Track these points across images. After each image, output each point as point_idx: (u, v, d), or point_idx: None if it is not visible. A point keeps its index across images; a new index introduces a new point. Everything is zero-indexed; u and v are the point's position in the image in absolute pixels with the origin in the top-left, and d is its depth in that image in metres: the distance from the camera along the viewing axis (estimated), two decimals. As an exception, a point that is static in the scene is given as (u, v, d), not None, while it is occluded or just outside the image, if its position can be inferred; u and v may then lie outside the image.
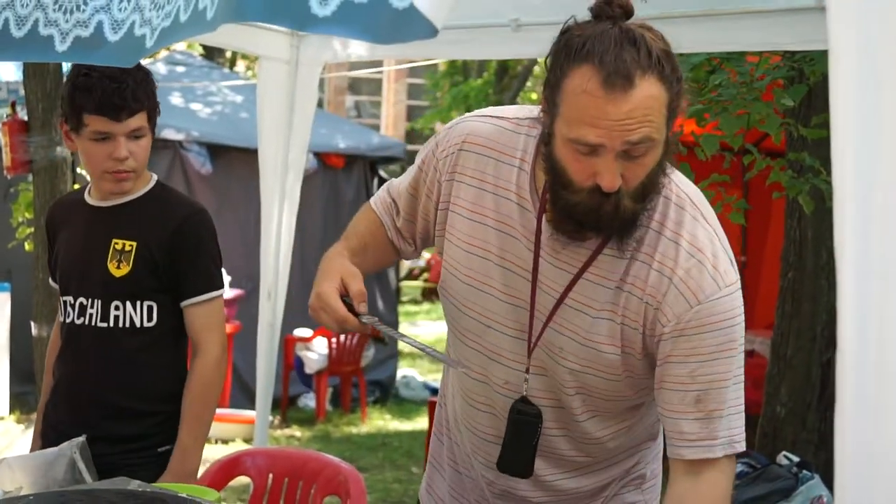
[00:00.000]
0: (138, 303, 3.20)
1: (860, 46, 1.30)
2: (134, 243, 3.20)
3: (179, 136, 9.23)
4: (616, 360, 2.26)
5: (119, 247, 3.20)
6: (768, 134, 4.64)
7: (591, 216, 2.11)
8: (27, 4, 2.23)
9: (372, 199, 2.60)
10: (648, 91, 2.00)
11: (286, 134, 4.80)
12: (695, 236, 2.18)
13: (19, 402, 8.76)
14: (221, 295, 3.31)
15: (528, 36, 4.36)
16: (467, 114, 2.45)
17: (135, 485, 2.39)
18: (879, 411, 1.28)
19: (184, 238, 3.23)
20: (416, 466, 7.86)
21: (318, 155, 9.98)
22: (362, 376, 9.67)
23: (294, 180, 4.87)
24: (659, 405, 2.26)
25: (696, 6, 4.04)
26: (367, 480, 7.37)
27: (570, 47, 2.05)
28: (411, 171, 2.50)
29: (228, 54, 18.85)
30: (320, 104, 29.33)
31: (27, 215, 7.24)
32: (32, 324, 6.83)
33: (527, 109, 2.37)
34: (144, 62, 3.24)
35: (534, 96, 20.95)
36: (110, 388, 3.24)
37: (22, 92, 7.25)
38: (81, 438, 2.97)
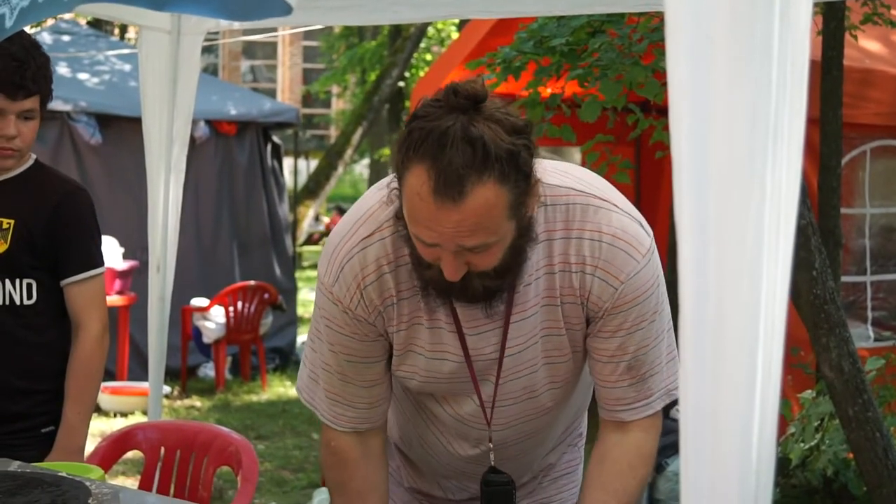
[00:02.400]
0: (17, 280, 3.19)
1: (693, 8, 1.33)
2: (12, 221, 3.18)
3: (67, 107, 9.08)
4: (566, 345, 2.32)
5: None
6: (656, 94, 4.71)
7: (447, 292, 2.16)
8: None
9: (331, 431, 2.45)
10: (483, 198, 1.95)
11: (170, 105, 4.73)
12: (597, 223, 2.20)
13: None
14: (102, 273, 3.30)
15: (418, 1, 4.37)
16: (334, 249, 2.29)
17: (15, 465, 2.38)
18: (716, 371, 1.33)
19: (62, 216, 3.22)
20: (315, 432, 7.87)
21: (209, 122, 9.89)
22: (261, 344, 9.64)
23: (179, 151, 4.81)
24: (592, 374, 2.34)
25: (574, -31, 4.07)
26: (267, 448, 7.45)
27: (410, 141, 1.99)
28: (339, 349, 2.35)
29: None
30: (214, 70, 29.03)
31: None
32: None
33: (376, 208, 2.27)
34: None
35: (428, 57, 20.93)
36: None
37: None
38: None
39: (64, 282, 3.24)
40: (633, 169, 5.34)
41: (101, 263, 3.30)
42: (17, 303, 3.19)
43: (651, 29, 4.60)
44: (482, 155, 1.93)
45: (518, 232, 2.08)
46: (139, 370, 8.83)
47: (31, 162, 3.30)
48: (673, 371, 2.32)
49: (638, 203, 10.13)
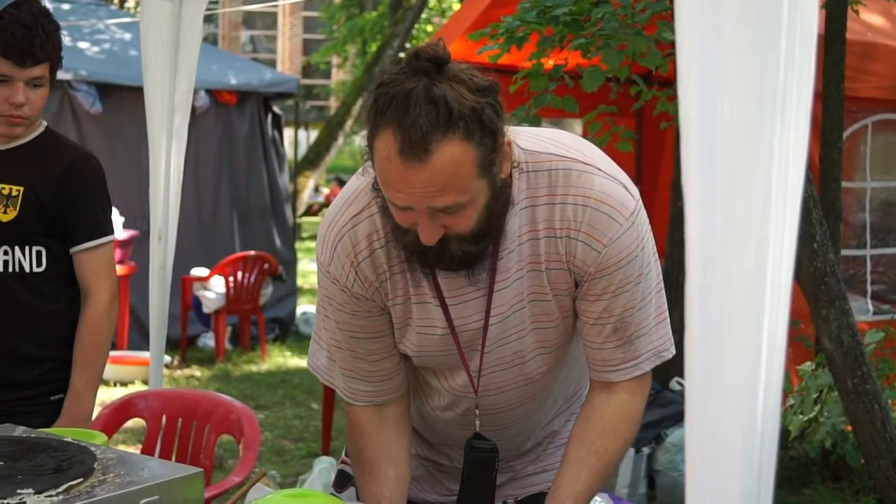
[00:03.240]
0: (27, 248, 3.19)
1: None
2: (21, 188, 3.17)
3: (67, 76, 9.06)
4: (554, 310, 2.32)
5: (6, 192, 3.17)
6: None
7: (427, 259, 2.18)
8: None
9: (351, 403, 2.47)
10: (448, 155, 1.97)
11: (172, 73, 4.72)
12: (580, 187, 2.21)
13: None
14: (111, 241, 3.30)
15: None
16: (327, 230, 2.33)
17: (20, 430, 2.39)
18: (722, 339, 1.33)
19: (71, 183, 3.21)
20: (315, 402, 7.90)
21: (210, 92, 9.88)
22: (261, 314, 9.66)
23: (181, 120, 4.80)
24: (581, 336, 2.36)
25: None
26: (267, 417, 7.47)
27: (377, 107, 2.02)
28: (344, 326, 2.37)
29: (118, -10, 18.49)
30: (214, 40, 28.94)
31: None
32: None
33: (363, 187, 2.29)
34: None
35: (429, 28, 20.87)
36: (2, 334, 3.21)
37: None
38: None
39: (73, 249, 3.24)
40: (635, 139, 5.33)
41: (111, 231, 3.30)
42: (27, 270, 3.19)
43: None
44: (445, 113, 1.96)
45: (491, 193, 2.10)
46: (139, 340, 8.84)
47: (41, 129, 3.29)
48: (662, 333, 2.34)
49: (639, 173, 10.16)
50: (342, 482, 2.69)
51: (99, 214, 3.28)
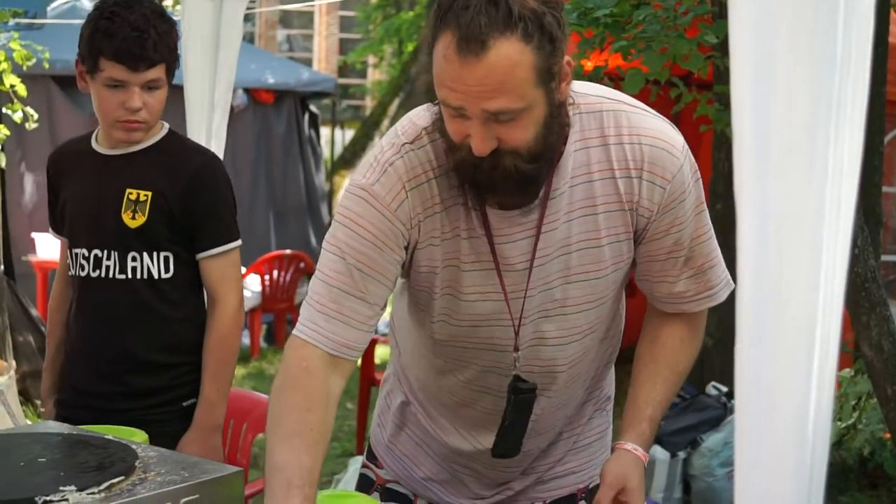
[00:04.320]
0: (155, 253, 3.13)
1: None
2: (149, 193, 3.12)
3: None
4: (606, 257, 2.30)
5: (133, 197, 3.12)
6: (696, 67, 4.67)
7: (473, 175, 2.12)
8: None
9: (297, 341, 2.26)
10: (505, 53, 1.95)
11: (212, 72, 4.74)
12: (632, 127, 2.22)
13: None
14: (238, 246, 3.22)
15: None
16: (380, 152, 2.26)
17: (62, 427, 2.40)
18: (775, 346, 1.32)
19: (199, 187, 3.15)
20: (350, 402, 7.90)
21: (247, 91, 9.91)
22: (296, 313, 9.66)
23: (221, 118, 4.81)
24: (645, 275, 2.38)
25: (620, -59, 4.04)
26: (302, 416, 7.45)
27: (439, 11, 2.02)
28: (354, 247, 2.22)
29: (156, -12, 18.56)
30: (251, 39, 29.04)
31: None
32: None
33: (415, 119, 2.28)
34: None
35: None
36: (133, 341, 3.17)
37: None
38: (7, 380, 2.97)
39: (200, 255, 3.17)
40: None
41: (237, 236, 3.21)
42: (156, 276, 3.14)
43: (696, 1, 4.56)
44: (505, 12, 1.95)
45: (549, 108, 2.07)
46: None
47: (164, 132, 3.23)
48: (724, 266, 2.40)
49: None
50: (365, 486, 2.67)
51: (227, 219, 3.22)
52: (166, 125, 3.25)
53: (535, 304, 2.31)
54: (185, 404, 3.21)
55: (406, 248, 2.25)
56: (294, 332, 2.26)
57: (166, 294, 3.17)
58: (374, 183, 2.21)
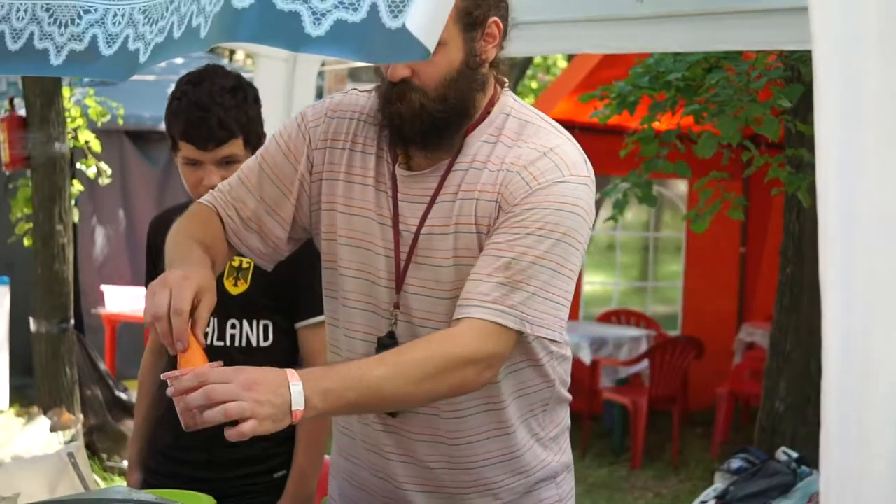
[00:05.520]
0: (255, 321, 3.08)
1: (840, 43, 1.32)
2: (252, 261, 3.12)
3: (179, 129, 9.19)
4: (475, 246, 2.27)
5: (236, 264, 3.07)
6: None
7: (387, 109, 2.23)
8: (23, 18, 2.22)
9: (198, 204, 2.54)
10: None
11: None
12: (542, 139, 2.26)
13: (18, 396, 8.76)
14: None
15: (522, 34, 4.36)
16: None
17: (133, 494, 2.40)
18: (863, 403, 1.30)
19: (300, 256, 2.95)
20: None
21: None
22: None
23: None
24: (471, 272, 2.22)
25: (692, 6, 4.03)
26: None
27: None
28: (270, 150, 2.45)
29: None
30: (320, 94, 29.32)
31: (26, 210, 7.24)
32: (31, 319, 6.85)
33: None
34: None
35: (534, 85, 20.94)
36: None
37: (20, 87, 7.26)
38: (77, 443, 2.96)
39: (299, 324, 3.11)
40: (746, 206, 5.26)
41: None
42: (254, 344, 3.09)
43: (768, 66, 4.54)
44: None
45: (465, 57, 2.19)
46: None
47: None
48: (545, 310, 2.19)
49: (745, 238, 10.01)
50: None
51: (319, 290, 3.18)
52: None
53: (418, 276, 2.30)
54: (276, 475, 3.14)
55: (310, 172, 2.40)
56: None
57: (262, 363, 3.08)
58: (310, 107, 2.47)
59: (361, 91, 2.44)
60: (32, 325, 6.77)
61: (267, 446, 3.08)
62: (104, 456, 7.06)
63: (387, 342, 2.32)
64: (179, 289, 2.14)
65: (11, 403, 8.89)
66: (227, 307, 3.02)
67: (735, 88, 4.34)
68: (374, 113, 2.34)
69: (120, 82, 2.83)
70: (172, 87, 3.23)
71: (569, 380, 2.49)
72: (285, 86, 4.80)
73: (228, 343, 3.09)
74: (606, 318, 10.02)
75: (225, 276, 3.07)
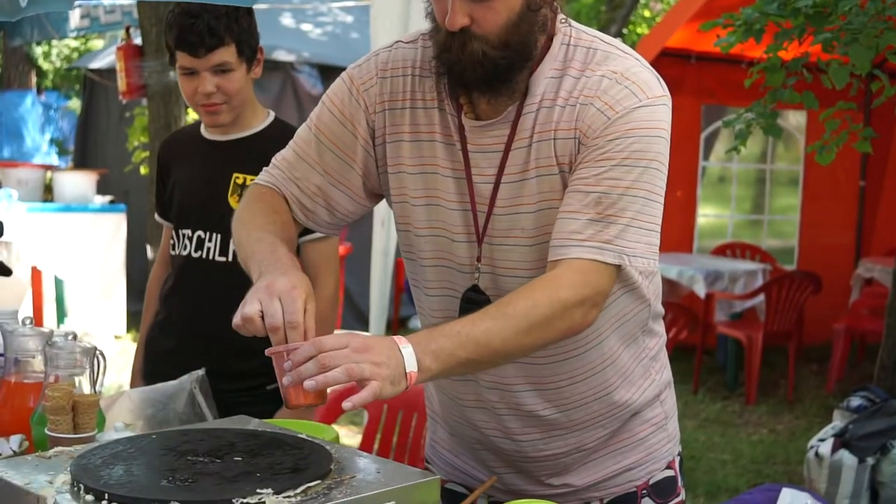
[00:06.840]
0: None
1: None
2: (254, 178, 3.17)
3: (290, 58, 9.22)
4: (559, 187, 2.22)
5: (240, 181, 3.19)
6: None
7: (446, 57, 2.16)
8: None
9: (257, 184, 2.50)
10: None
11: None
12: (611, 64, 2.20)
13: (136, 321, 8.88)
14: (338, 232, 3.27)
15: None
16: (380, 47, 2.41)
17: (255, 423, 2.39)
18: None
19: None
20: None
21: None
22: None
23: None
24: (559, 210, 2.18)
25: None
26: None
27: None
28: (323, 119, 2.39)
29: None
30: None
31: (142, 139, 7.32)
32: (148, 247, 6.94)
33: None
34: None
35: (647, 13, 20.61)
36: (225, 323, 3.18)
37: (136, 16, 7.30)
38: (200, 372, 2.96)
39: (301, 239, 3.21)
40: (876, 138, 5.08)
41: None
42: None
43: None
44: None
45: (526, 3, 2.12)
46: (352, 320, 8.96)
47: (270, 119, 3.31)
48: (642, 240, 2.16)
49: (864, 168, 9.77)
50: None
51: None
52: (272, 114, 3.34)
53: (501, 227, 2.26)
54: (269, 388, 3.22)
55: (372, 137, 2.35)
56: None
57: None
58: (355, 68, 2.38)
59: (407, 43, 2.36)
60: (149, 253, 6.85)
61: (261, 363, 3.13)
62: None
63: (472, 297, 2.31)
64: (291, 300, 2.13)
65: (128, 329, 9.04)
66: (230, 223, 3.11)
67: (868, 15, 4.17)
68: (429, 64, 2.27)
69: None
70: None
71: (661, 291, 2.46)
72: (402, 12, 4.76)
73: (231, 259, 3.19)
74: (721, 251, 9.89)
75: (229, 192, 3.19)
